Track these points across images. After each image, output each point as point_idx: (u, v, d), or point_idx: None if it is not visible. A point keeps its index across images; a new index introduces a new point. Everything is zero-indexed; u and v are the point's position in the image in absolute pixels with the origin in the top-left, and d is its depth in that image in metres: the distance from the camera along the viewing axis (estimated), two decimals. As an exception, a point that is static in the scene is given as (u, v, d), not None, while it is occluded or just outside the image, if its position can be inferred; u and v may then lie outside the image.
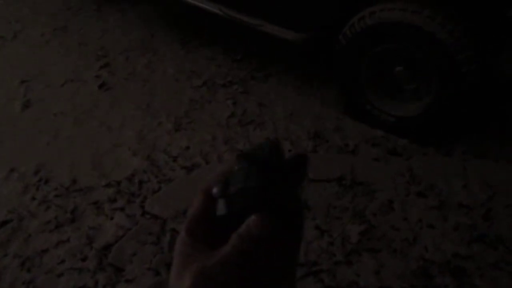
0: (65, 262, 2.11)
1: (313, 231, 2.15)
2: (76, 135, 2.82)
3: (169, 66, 3.39)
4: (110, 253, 2.13)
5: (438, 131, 2.58)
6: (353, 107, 2.81)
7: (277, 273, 0.39)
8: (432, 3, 2.32)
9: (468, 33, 2.30)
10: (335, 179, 2.41)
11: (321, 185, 2.38)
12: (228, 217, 0.38)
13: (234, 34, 3.56)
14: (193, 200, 0.42)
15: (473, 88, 2.37)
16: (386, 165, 2.51)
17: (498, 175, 2.41)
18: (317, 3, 2.67)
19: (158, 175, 2.50)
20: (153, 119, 2.90)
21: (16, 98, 3.15)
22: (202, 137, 2.75)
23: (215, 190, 0.39)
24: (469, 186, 2.35)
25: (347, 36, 2.57)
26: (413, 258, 2.04)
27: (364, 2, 2.50)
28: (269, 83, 3.17)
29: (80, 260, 2.11)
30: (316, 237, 2.13)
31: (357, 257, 2.06)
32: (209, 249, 0.40)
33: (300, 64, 3.32)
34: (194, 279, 0.37)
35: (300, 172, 0.40)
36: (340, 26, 2.61)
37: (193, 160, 2.59)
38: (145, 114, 2.95)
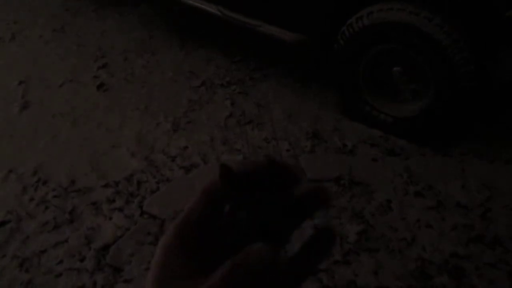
0: (63, 263, 2.11)
1: (311, 231, 2.15)
2: (75, 136, 2.82)
3: (167, 67, 3.40)
4: (109, 253, 2.13)
5: (436, 132, 2.59)
6: (351, 107, 2.81)
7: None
8: (430, 4, 2.32)
9: (465, 34, 2.30)
10: (333, 179, 2.42)
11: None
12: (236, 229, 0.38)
13: (232, 35, 3.56)
14: (191, 200, 0.38)
15: (470, 89, 2.37)
16: (384, 166, 2.51)
17: (496, 175, 2.41)
18: (315, 4, 2.67)
19: (156, 175, 2.51)
20: (152, 120, 2.90)
21: (14, 99, 3.15)
22: (201, 137, 2.75)
23: (227, 208, 0.36)
24: (467, 187, 2.35)
25: (345, 36, 2.57)
26: (411, 258, 2.04)
27: (362, 3, 2.51)
28: (268, 84, 3.18)
29: (78, 261, 2.11)
30: (315, 237, 2.13)
31: (355, 257, 2.06)
32: (198, 266, 0.35)
33: (298, 65, 3.33)
34: None
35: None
36: (339, 26, 2.61)
37: (191, 160, 2.59)
38: (143, 115, 2.95)
